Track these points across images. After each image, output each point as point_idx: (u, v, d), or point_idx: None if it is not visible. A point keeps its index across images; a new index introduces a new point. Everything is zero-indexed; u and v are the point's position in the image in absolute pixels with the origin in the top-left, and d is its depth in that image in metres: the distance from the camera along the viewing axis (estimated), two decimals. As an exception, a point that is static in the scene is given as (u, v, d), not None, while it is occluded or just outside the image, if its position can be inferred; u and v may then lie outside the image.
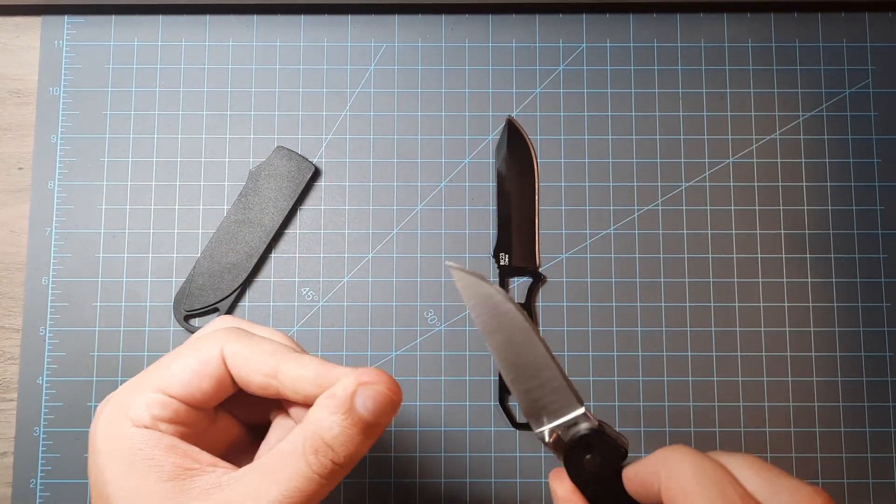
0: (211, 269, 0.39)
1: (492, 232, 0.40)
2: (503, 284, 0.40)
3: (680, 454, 0.23)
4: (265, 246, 0.40)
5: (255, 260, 0.39)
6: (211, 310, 0.39)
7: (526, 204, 0.40)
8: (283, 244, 0.40)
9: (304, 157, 0.40)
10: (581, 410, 0.25)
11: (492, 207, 0.40)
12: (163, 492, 0.22)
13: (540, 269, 0.40)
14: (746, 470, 0.23)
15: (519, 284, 0.40)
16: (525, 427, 0.39)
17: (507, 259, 0.40)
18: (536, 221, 0.40)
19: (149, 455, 0.23)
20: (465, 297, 0.25)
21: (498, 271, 0.40)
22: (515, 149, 0.40)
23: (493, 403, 0.39)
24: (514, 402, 0.39)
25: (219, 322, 0.27)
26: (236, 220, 0.40)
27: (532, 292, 0.39)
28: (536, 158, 0.40)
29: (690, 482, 0.22)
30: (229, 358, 0.24)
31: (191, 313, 0.39)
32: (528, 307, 0.39)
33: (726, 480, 0.22)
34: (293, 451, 0.23)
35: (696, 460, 0.22)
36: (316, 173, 0.40)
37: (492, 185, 0.41)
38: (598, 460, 0.24)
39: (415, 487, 0.38)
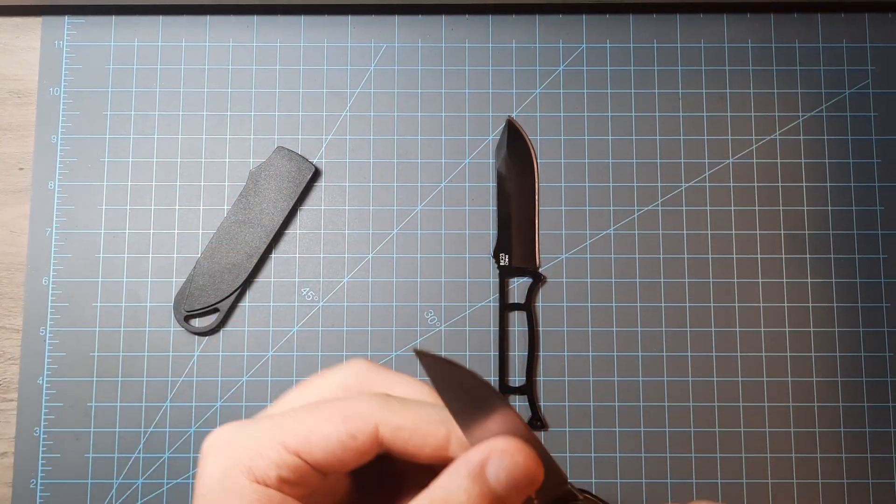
0: (211, 269, 0.39)
1: (492, 232, 0.40)
2: (503, 285, 0.40)
3: None
4: (265, 246, 0.40)
5: (255, 260, 0.39)
6: (211, 310, 0.39)
7: (526, 204, 0.40)
8: (283, 244, 0.40)
9: (304, 158, 0.40)
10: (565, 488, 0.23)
11: (492, 208, 0.40)
12: None
13: (540, 270, 0.40)
14: None
15: (519, 285, 0.40)
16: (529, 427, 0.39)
17: (507, 259, 0.40)
18: (536, 222, 0.40)
19: None
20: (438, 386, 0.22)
21: (498, 271, 0.40)
22: (515, 149, 0.40)
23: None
24: (514, 402, 0.39)
25: (354, 367, 0.24)
26: (236, 220, 0.40)
27: (532, 292, 0.39)
28: (536, 159, 0.40)
29: None
30: (390, 435, 0.21)
31: (191, 313, 0.39)
32: (528, 307, 0.39)
33: None
34: None
35: None
36: (316, 174, 0.40)
37: (492, 185, 0.41)
38: None
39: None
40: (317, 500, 0.23)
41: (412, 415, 0.22)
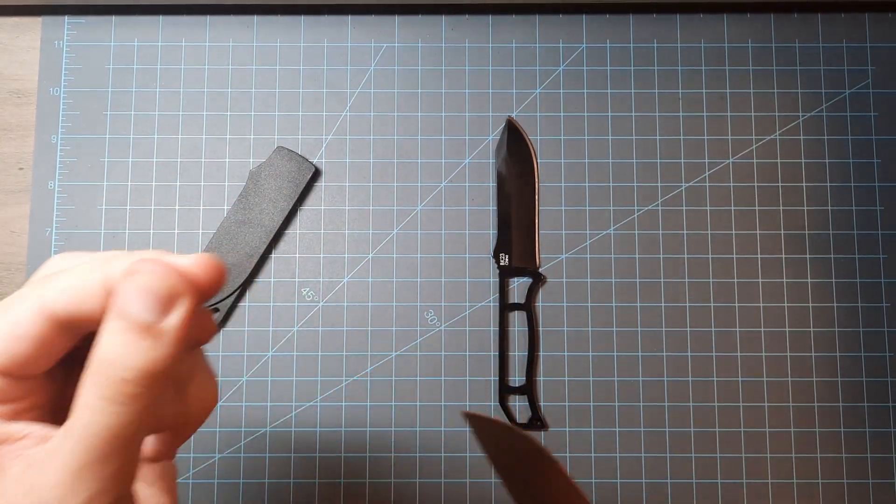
0: None
1: (492, 232, 0.40)
2: (503, 285, 0.40)
3: None
4: (265, 246, 0.40)
5: (255, 260, 0.39)
6: (211, 310, 0.39)
7: (526, 204, 0.40)
8: (283, 244, 0.40)
9: (304, 158, 0.40)
10: None
11: (492, 207, 0.40)
12: None
13: (540, 270, 0.40)
14: None
15: (519, 284, 0.40)
16: (526, 427, 0.39)
17: (507, 259, 0.40)
18: (537, 222, 0.40)
19: None
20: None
21: (498, 271, 0.40)
22: (515, 149, 0.40)
23: (493, 404, 0.39)
24: (514, 402, 0.39)
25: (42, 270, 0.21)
26: (236, 220, 0.40)
27: (532, 292, 0.39)
28: (537, 159, 0.40)
29: None
30: (54, 302, 0.18)
31: None
32: (528, 307, 0.39)
33: None
34: (80, 386, 0.17)
35: None
36: (316, 174, 0.40)
37: (492, 185, 0.41)
38: None
39: (415, 488, 0.38)
40: (20, 409, 0.19)
41: (67, 278, 0.18)
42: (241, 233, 0.40)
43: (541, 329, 0.40)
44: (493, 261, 0.40)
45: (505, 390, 0.39)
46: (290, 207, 0.40)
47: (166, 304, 0.18)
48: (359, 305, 0.40)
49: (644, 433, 0.39)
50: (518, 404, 0.39)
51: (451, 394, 0.39)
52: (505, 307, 0.39)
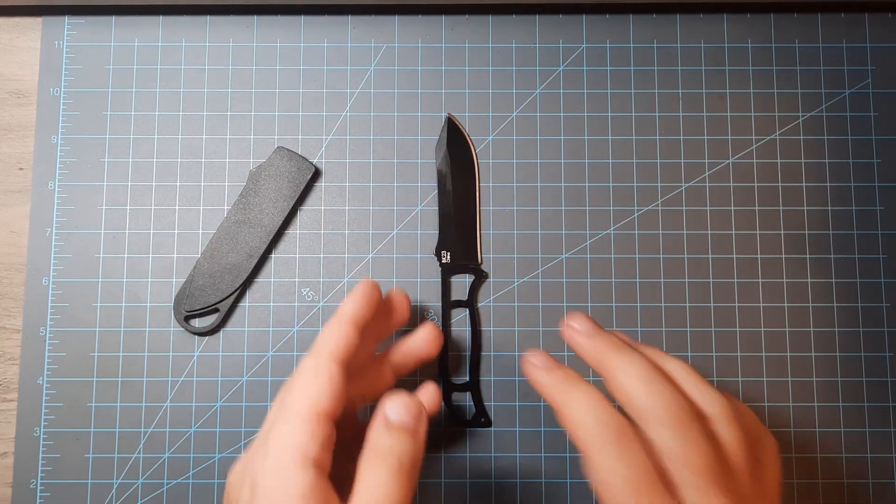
0: (211, 269, 0.39)
1: (491, 232, 0.40)
2: (445, 283, 0.39)
3: (618, 350, 0.30)
4: (265, 246, 0.40)
5: (255, 260, 0.39)
6: (211, 310, 0.39)
7: (466, 202, 0.40)
8: (283, 245, 0.40)
9: (304, 158, 0.40)
10: None
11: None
12: None
13: (482, 266, 0.40)
14: (679, 373, 0.29)
15: (462, 283, 0.40)
16: (471, 423, 0.39)
17: (448, 257, 0.40)
18: (478, 219, 0.40)
19: (313, 500, 0.25)
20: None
21: (440, 269, 0.40)
22: (455, 146, 0.40)
23: (493, 404, 0.39)
24: (459, 403, 0.39)
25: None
26: (236, 220, 0.40)
27: (474, 289, 0.39)
28: (476, 155, 0.40)
29: (636, 383, 0.28)
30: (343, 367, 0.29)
31: (191, 314, 0.39)
32: (470, 305, 0.39)
33: (666, 382, 0.28)
34: (363, 470, 0.27)
35: (636, 360, 0.29)
36: (316, 174, 0.40)
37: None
38: None
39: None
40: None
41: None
42: (241, 233, 0.40)
43: (540, 329, 0.40)
44: (435, 259, 0.40)
45: (449, 388, 0.39)
46: (290, 207, 0.40)
47: (417, 417, 0.29)
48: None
49: (644, 433, 0.39)
50: (467, 404, 0.39)
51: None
52: (448, 305, 0.39)
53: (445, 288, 0.40)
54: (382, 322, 0.34)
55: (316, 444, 0.26)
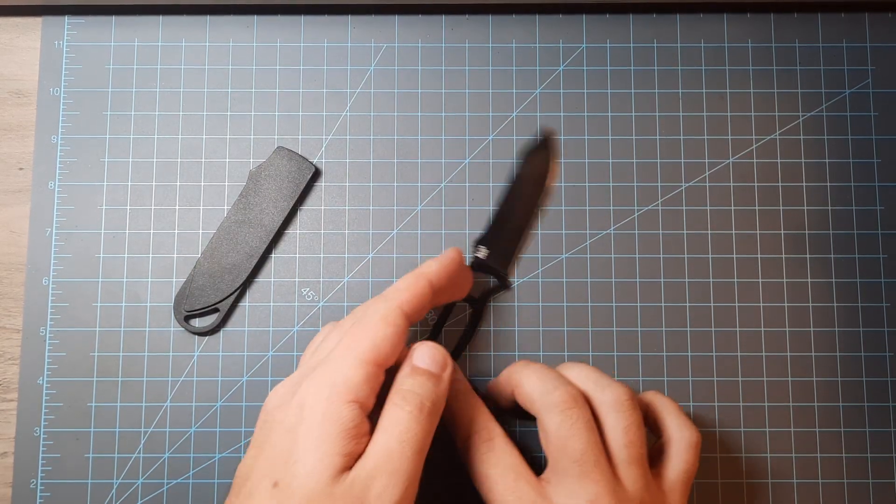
0: (211, 269, 0.39)
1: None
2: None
3: (524, 365, 0.33)
4: (265, 246, 0.40)
5: (255, 260, 0.39)
6: (211, 310, 0.39)
7: (528, 214, 0.40)
8: (283, 245, 0.40)
9: (304, 158, 0.40)
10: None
11: (491, 207, 0.40)
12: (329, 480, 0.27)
13: (511, 279, 0.39)
14: (579, 372, 0.33)
15: (482, 285, 0.40)
16: None
17: (484, 253, 0.39)
18: (527, 235, 0.40)
19: (351, 434, 0.27)
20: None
21: (472, 260, 0.39)
22: (540, 164, 0.40)
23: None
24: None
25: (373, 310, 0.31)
26: (236, 220, 0.40)
27: (490, 292, 0.39)
28: (554, 179, 0.40)
29: (535, 382, 0.32)
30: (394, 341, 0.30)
31: (191, 314, 0.39)
32: (478, 304, 0.39)
33: (560, 378, 0.32)
34: (388, 409, 0.29)
35: (537, 367, 0.33)
36: (316, 174, 0.40)
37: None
38: None
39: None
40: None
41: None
42: (241, 233, 0.40)
43: (540, 329, 0.40)
44: (470, 248, 0.40)
45: None
46: (290, 207, 0.40)
47: (442, 365, 0.31)
48: (359, 305, 0.40)
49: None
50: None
51: (451, 394, 0.39)
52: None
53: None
54: (448, 292, 0.35)
55: (367, 387, 0.28)
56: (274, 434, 0.28)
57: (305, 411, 0.27)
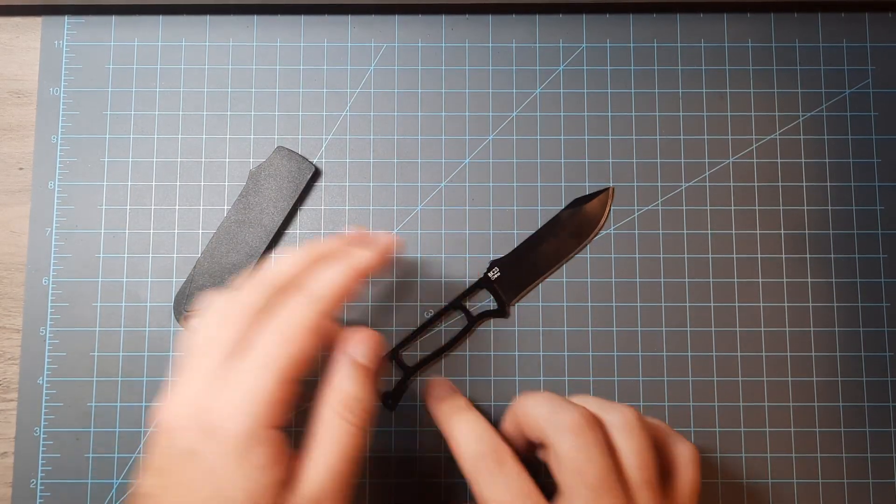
0: (211, 269, 0.39)
1: (492, 232, 0.40)
2: (472, 289, 0.39)
3: (527, 394, 0.31)
4: (266, 246, 0.40)
5: (255, 260, 0.39)
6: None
7: (554, 256, 0.40)
8: (283, 245, 0.40)
9: (304, 158, 0.40)
10: None
11: (490, 207, 0.40)
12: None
13: (510, 309, 0.39)
14: (583, 399, 0.31)
15: (481, 304, 0.40)
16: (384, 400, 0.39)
17: (496, 275, 0.39)
18: (543, 278, 0.40)
19: (277, 462, 0.25)
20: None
21: (481, 277, 0.39)
22: (585, 217, 0.40)
23: (492, 403, 0.39)
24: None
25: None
26: (237, 220, 0.40)
27: (485, 314, 0.39)
28: (591, 239, 0.40)
29: (542, 405, 0.30)
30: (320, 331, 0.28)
31: (191, 313, 0.39)
32: (470, 317, 0.39)
33: (568, 401, 0.30)
34: (329, 421, 0.27)
35: (543, 392, 0.31)
36: (316, 173, 0.40)
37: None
38: None
39: (416, 487, 0.38)
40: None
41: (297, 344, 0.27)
42: (241, 232, 0.40)
43: (540, 329, 0.39)
44: (488, 265, 0.40)
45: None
46: (290, 207, 0.40)
47: (377, 359, 0.29)
48: (359, 305, 0.40)
49: (644, 433, 0.39)
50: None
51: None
52: (456, 304, 0.39)
53: (467, 293, 0.39)
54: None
55: (288, 406, 0.26)
56: (186, 464, 0.25)
57: (220, 440, 0.24)
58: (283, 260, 0.30)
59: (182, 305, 0.39)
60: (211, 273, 0.39)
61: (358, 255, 0.30)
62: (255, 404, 0.25)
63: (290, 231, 0.40)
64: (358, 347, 0.28)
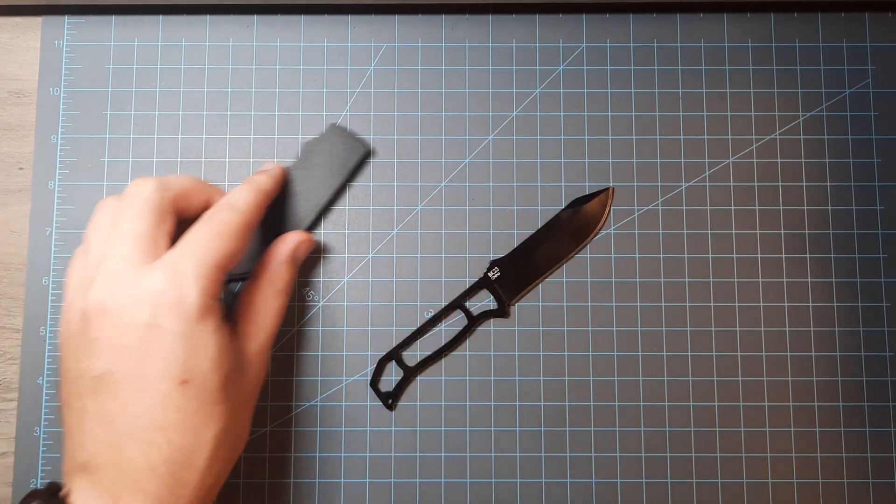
0: (255, 235, 0.39)
1: (492, 232, 0.40)
2: (471, 289, 0.39)
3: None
4: (311, 219, 0.39)
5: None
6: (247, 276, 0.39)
7: (554, 256, 0.40)
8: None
9: (357, 138, 0.40)
10: None
11: (490, 207, 0.40)
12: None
13: (510, 308, 0.39)
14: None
15: (481, 304, 0.40)
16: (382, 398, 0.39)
17: (496, 275, 0.39)
18: (543, 278, 0.40)
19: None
20: None
21: (481, 277, 0.39)
22: (585, 217, 0.40)
23: (493, 403, 0.39)
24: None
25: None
26: (285, 190, 0.39)
27: (485, 314, 0.39)
28: (591, 239, 0.40)
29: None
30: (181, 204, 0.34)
31: (230, 279, 0.39)
32: (470, 316, 0.39)
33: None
34: (271, 296, 0.35)
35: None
36: (368, 154, 0.40)
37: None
38: None
39: (415, 487, 0.38)
40: None
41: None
42: (288, 203, 0.39)
43: (540, 329, 0.39)
44: (488, 265, 0.40)
45: (378, 373, 0.39)
46: (339, 185, 0.40)
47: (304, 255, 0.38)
48: (359, 305, 0.40)
49: (644, 433, 0.39)
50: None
51: (450, 394, 0.39)
52: (455, 305, 0.39)
53: (467, 293, 0.39)
54: None
55: (220, 287, 0.31)
56: (145, 338, 0.29)
57: (179, 311, 0.29)
58: (175, 177, 0.34)
59: None
60: (254, 239, 0.39)
61: (260, 181, 0.36)
62: (206, 280, 0.30)
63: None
64: (291, 245, 0.36)
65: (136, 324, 0.28)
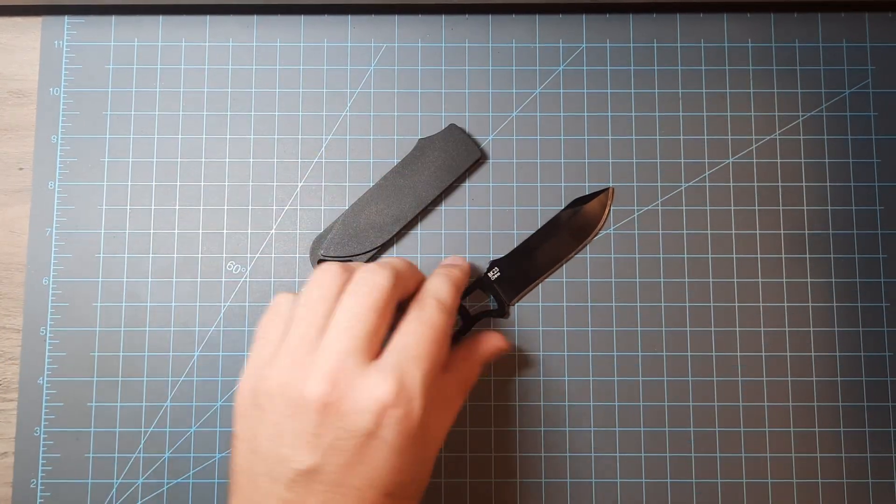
0: (355, 222, 0.39)
1: (492, 232, 0.40)
2: (471, 287, 0.39)
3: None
4: (415, 214, 0.40)
5: (400, 225, 0.39)
6: (347, 259, 0.39)
7: (554, 257, 0.40)
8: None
9: (473, 141, 0.40)
10: None
11: (491, 207, 0.40)
12: None
13: (509, 309, 0.39)
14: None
15: (481, 305, 0.40)
16: None
17: (496, 275, 0.39)
18: (543, 278, 0.40)
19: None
20: None
21: (482, 277, 0.39)
22: (585, 218, 0.40)
23: (493, 404, 0.39)
24: (514, 402, 0.39)
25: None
26: (394, 184, 0.40)
27: (484, 314, 0.39)
28: (591, 239, 0.40)
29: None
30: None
31: (325, 258, 0.39)
32: (468, 317, 0.39)
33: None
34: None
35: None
36: (481, 158, 0.40)
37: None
38: None
39: (415, 487, 0.38)
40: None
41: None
42: (395, 197, 0.40)
43: (540, 329, 0.40)
44: (487, 265, 0.40)
45: None
46: (448, 184, 0.40)
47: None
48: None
49: (644, 433, 0.39)
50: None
51: (451, 394, 0.39)
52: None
53: (467, 293, 0.39)
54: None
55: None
56: (258, 418, 0.28)
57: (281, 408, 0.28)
58: (384, 263, 0.32)
59: (318, 249, 0.39)
60: (353, 226, 0.39)
61: (452, 272, 0.34)
62: (429, 391, 0.29)
63: (289, 231, 0.40)
64: (492, 349, 0.34)
65: (357, 431, 0.27)
